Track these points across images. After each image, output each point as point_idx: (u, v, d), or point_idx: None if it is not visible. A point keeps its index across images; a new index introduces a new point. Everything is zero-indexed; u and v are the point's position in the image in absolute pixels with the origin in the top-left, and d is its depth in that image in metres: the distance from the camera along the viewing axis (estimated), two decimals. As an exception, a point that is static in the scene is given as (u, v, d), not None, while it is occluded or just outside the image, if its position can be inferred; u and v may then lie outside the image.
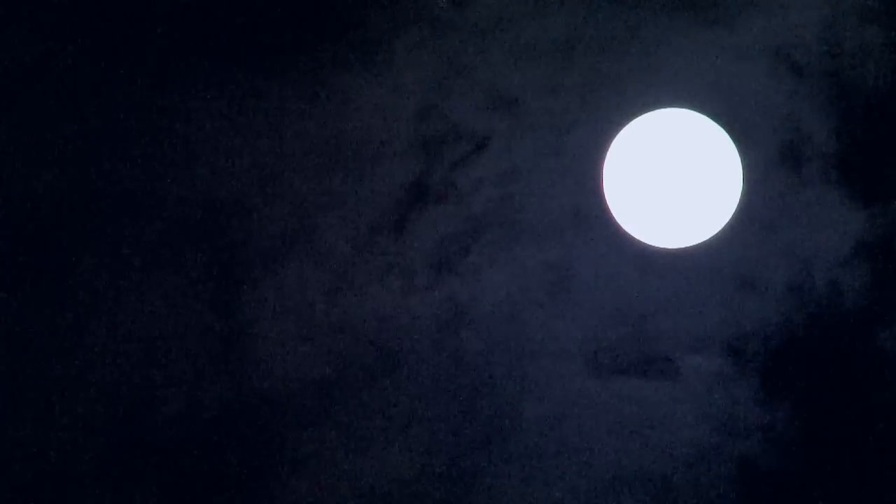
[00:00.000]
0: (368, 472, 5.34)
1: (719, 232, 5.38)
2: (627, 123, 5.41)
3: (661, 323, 5.38)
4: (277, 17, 5.50)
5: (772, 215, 5.40)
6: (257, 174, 5.45)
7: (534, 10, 5.51)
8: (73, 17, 5.48)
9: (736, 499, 5.29)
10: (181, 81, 5.46)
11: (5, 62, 5.43)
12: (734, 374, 5.35)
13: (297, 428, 5.35)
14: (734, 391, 5.34)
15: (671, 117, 5.39)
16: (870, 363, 5.31)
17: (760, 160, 5.41)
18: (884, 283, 5.35)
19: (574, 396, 5.37)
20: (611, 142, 5.41)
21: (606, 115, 5.45)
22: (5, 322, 5.32)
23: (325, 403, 5.36)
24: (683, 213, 5.32)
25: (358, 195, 5.46)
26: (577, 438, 5.35)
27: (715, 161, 5.36)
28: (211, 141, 5.45)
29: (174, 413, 5.34)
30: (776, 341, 5.36)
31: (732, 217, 5.38)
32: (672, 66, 5.46)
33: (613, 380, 5.37)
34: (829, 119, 5.43)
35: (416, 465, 5.34)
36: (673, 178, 5.31)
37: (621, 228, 5.38)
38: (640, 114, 5.41)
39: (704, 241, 5.38)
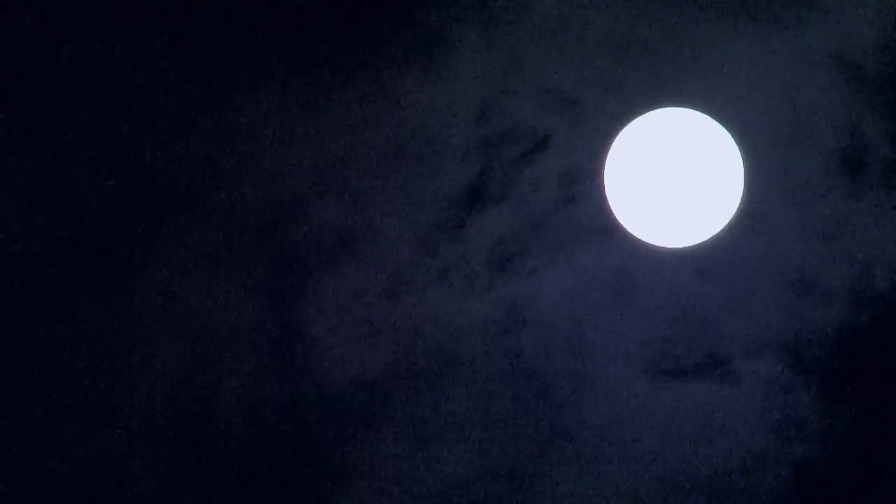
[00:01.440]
0: (425, 475, 5.32)
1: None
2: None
3: (721, 327, 5.36)
4: (339, 18, 5.43)
5: (829, 220, 5.37)
6: (317, 174, 5.40)
7: (593, 8, 5.45)
8: (136, 16, 5.42)
9: (794, 504, 5.30)
10: (244, 81, 5.40)
11: (67, 62, 5.37)
12: (793, 379, 5.33)
13: (354, 430, 5.33)
14: (793, 395, 5.33)
15: (677, 117, 5.34)
16: (930, 370, 5.31)
17: (818, 167, 5.38)
18: (946, 289, 5.34)
19: (633, 400, 5.35)
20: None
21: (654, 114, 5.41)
22: (66, 321, 5.28)
23: (383, 406, 5.34)
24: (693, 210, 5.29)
25: (416, 195, 5.42)
26: (635, 442, 5.33)
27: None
28: (272, 141, 5.40)
29: (232, 414, 5.31)
30: (836, 345, 5.34)
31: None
32: (721, 68, 5.41)
33: (672, 384, 5.35)
34: (887, 123, 5.39)
35: (474, 468, 5.32)
36: (685, 177, 5.26)
37: (627, 232, 5.34)
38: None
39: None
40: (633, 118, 5.40)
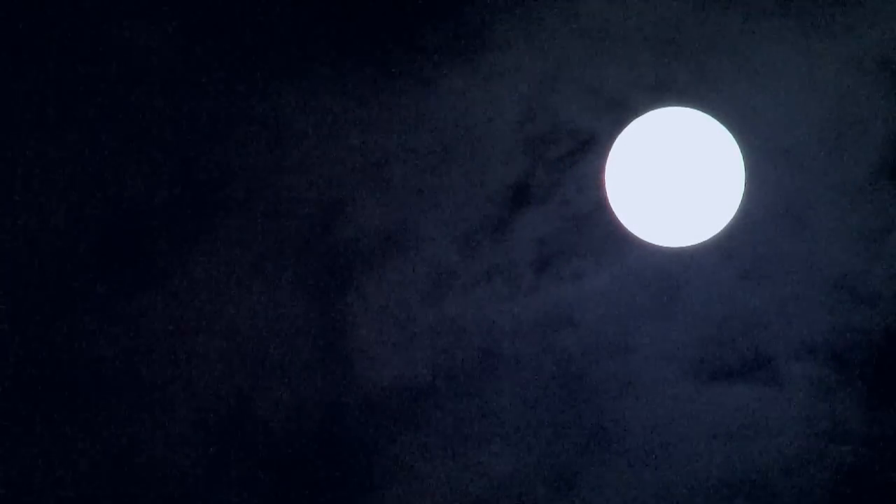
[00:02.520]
0: (469, 474, 5.31)
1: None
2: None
3: (765, 329, 5.35)
4: (386, 18, 5.39)
5: (874, 224, 5.35)
6: (362, 173, 5.37)
7: (638, 10, 5.42)
8: (186, 15, 5.38)
9: (837, 506, 5.30)
10: (291, 81, 5.37)
11: (114, 62, 5.33)
12: (837, 382, 5.32)
13: (397, 430, 5.31)
14: (837, 399, 5.32)
15: (679, 117, 5.32)
16: (975, 373, 5.30)
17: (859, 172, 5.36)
18: None
19: (677, 402, 5.34)
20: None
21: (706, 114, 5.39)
22: (112, 319, 5.25)
23: (426, 406, 5.32)
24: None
25: (461, 195, 5.39)
26: (679, 443, 5.32)
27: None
28: (318, 140, 5.37)
29: (274, 414, 5.29)
30: (880, 349, 5.33)
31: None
32: (763, 72, 5.39)
33: (716, 386, 5.34)
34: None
35: (518, 468, 5.31)
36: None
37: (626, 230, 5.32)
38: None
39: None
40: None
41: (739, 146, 5.32)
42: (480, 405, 5.33)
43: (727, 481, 5.31)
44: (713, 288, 5.36)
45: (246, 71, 5.37)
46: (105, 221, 5.31)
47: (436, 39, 5.39)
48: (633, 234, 5.32)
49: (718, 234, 5.35)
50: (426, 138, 5.39)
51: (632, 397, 5.34)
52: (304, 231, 5.35)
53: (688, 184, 5.21)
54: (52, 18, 5.36)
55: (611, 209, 5.32)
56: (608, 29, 5.41)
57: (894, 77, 5.38)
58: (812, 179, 5.36)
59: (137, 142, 5.33)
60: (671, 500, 5.31)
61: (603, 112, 5.39)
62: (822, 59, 5.38)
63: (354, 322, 5.34)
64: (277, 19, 5.39)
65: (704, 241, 5.35)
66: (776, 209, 5.37)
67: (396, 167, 5.38)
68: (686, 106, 5.38)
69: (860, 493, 5.30)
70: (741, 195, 5.32)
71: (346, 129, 5.38)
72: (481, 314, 5.36)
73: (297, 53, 5.39)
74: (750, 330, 5.35)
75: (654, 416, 5.33)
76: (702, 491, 5.31)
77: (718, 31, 5.40)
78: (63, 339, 5.25)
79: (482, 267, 5.38)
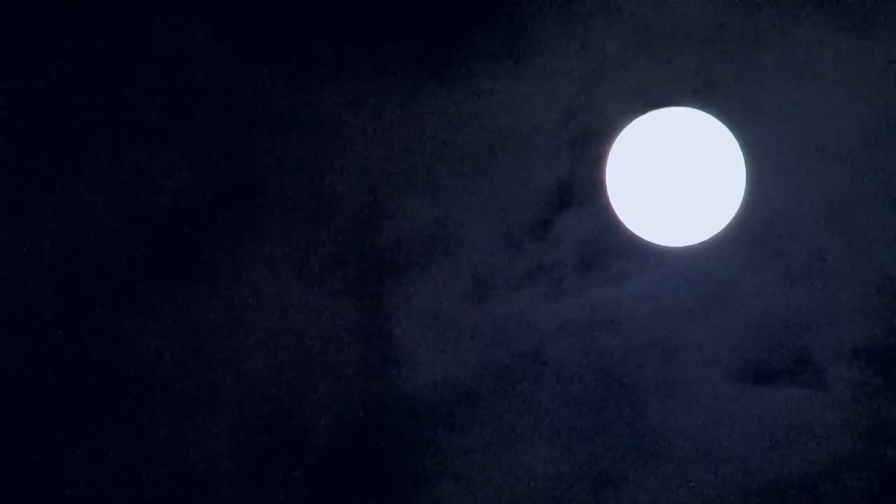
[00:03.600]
0: (510, 477, 5.29)
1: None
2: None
3: (810, 331, 5.32)
4: (434, 18, 5.36)
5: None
6: (406, 174, 5.35)
7: (684, 9, 5.38)
8: (230, 13, 5.35)
9: (882, 510, 5.28)
10: (335, 78, 5.34)
11: (152, 58, 5.30)
12: (882, 385, 5.29)
13: (439, 432, 5.29)
14: (882, 401, 5.29)
15: (679, 116, 5.29)
16: None
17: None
18: None
19: (720, 404, 5.31)
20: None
21: (740, 114, 5.36)
22: (155, 320, 5.24)
23: (468, 408, 5.30)
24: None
25: (504, 195, 5.36)
26: (721, 445, 5.30)
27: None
28: (362, 138, 5.34)
29: (317, 415, 5.27)
30: (926, 352, 5.31)
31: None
32: (814, 70, 5.36)
33: (760, 388, 5.31)
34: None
35: (560, 470, 5.29)
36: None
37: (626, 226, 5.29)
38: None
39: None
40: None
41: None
42: (523, 406, 5.31)
43: (771, 484, 5.29)
44: (759, 290, 5.33)
45: (287, 68, 5.34)
46: (151, 222, 5.29)
47: (481, 39, 5.36)
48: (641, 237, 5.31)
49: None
50: (470, 138, 5.36)
51: (675, 399, 5.31)
52: (348, 231, 5.33)
53: (690, 183, 5.19)
54: (101, 16, 5.33)
55: (614, 212, 5.30)
56: (652, 28, 5.37)
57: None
58: (854, 179, 5.33)
59: (182, 141, 5.31)
60: (713, 503, 5.29)
61: (646, 111, 5.35)
62: (862, 58, 5.34)
63: (397, 323, 5.32)
64: (322, 18, 5.36)
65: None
66: (815, 209, 5.34)
67: (440, 167, 5.36)
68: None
69: (905, 497, 5.28)
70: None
71: (390, 128, 5.35)
72: (524, 315, 5.33)
73: (343, 52, 5.36)
74: (794, 332, 5.32)
75: (698, 418, 5.31)
76: (745, 494, 5.29)
77: (761, 29, 5.37)
78: (107, 340, 5.23)
79: (525, 267, 5.35)
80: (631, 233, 5.29)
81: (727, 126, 5.32)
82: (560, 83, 5.37)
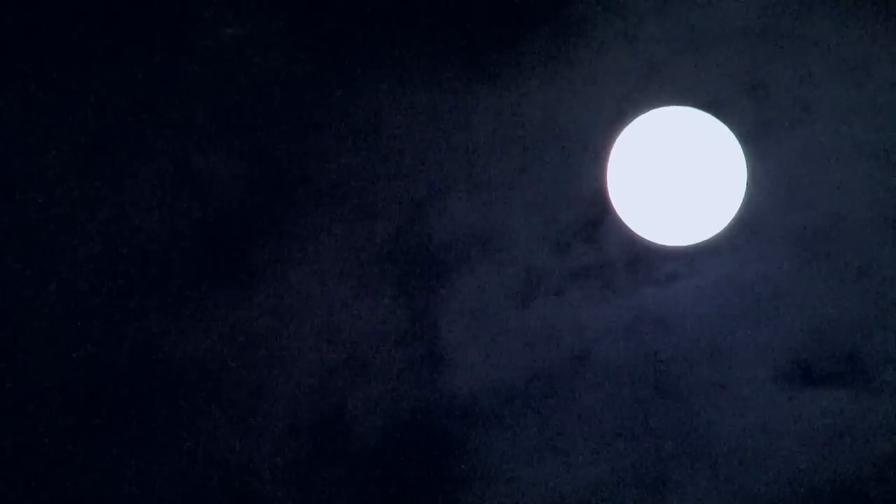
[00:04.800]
0: (559, 477, 5.27)
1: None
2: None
3: (858, 334, 5.28)
4: (484, 17, 5.29)
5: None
6: (455, 173, 5.29)
7: (733, 10, 5.32)
8: (280, 11, 5.29)
9: (930, 514, 5.26)
10: (385, 75, 5.28)
11: (194, 59, 5.25)
12: (932, 389, 5.28)
13: (488, 432, 5.26)
14: (931, 406, 5.28)
15: (678, 116, 5.24)
16: None
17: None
18: None
19: (768, 406, 5.28)
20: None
21: (790, 115, 5.30)
22: (203, 322, 5.20)
23: (515, 409, 5.27)
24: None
25: (553, 195, 5.31)
26: (770, 449, 5.28)
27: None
28: (414, 139, 5.29)
29: (365, 415, 5.25)
30: (976, 356, 5.28)
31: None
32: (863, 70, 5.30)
33: (809, 391, 5.28)
34: None
35: (606, 472, 5.27)
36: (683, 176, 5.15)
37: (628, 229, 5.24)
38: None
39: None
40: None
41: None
42: (571, 408, 5.28)
43: (819, 488, 5.27)
44: (809, 293, 5.29)
45: (342, 70, 5.28)
46: (198, 223, 5.24)
47: (532, 39, 5.30)
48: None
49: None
50: (518, 138, 5.31)
51: (723, 402, 5.28)
52: (396, 231, 5.28)
53: (690, 182, 5.15)
54: (151, 16, 5.27)
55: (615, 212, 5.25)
56: (701, 30, 5.30)
57: None
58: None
59: (230, 141, 5.26)
60: (761, 506, 5.28)
61: (699, 110, 5.30)
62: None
63: (444, 324, 5.28)
64: (374, 16, 5.29)
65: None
66: (867, 212, 5.29)
67: (489, 166, 5.30)
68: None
69: (954, 502, 5.26)
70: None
71: (440, 127, 5.29)
72: (573, 316, 5.30)
73: (393, 50, 5.29)
74: (843, 335, 5.28)
75: (745, 420, 5.28)
76: (793, 497, 5.27)
77: (817, 29, 5.31)
78: (155, 341, 5.20)
79: (574, 268, 5.31)
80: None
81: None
82: (609, 83, 5.31)
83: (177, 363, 5.21)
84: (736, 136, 5.25)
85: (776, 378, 5.29)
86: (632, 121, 5.25)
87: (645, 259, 5.29)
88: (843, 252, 5.30)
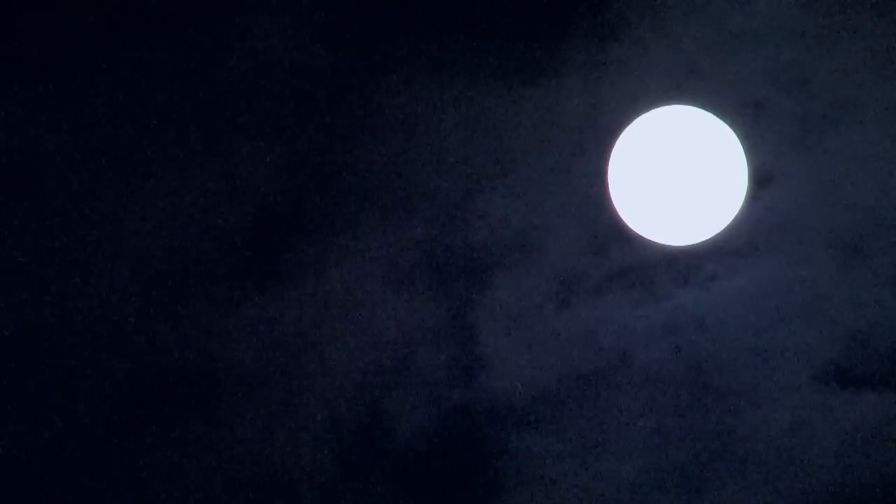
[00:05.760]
0: (597, 479, 5.26)
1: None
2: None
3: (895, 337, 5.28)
4: (524, 16, 5.21)
5: None
6: (494, 173, 5.24)
7: (775, 5, 5.25)
8: (320, 10, 5.20)
9: (968, 516, 5.27)
10: (428, 79, 5.21)
11: (237, 60, 5.16)
12: (971, 391, 5.27)
13: (526, 434, 5.24)
14: (970, 408, 5.27)
15: (679, 115, 5.20)
16: None
17: None
18: None
19: (807, 408, 5.27)
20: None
21: (832, 116, 5.25)
22: (246, 322, 5.16)
23: (554, 411, 5.25)
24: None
25: (592, 195, 5.26)
26: (810, 451, 5.27)
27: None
28: (453, 139, 5.22)
29: (404, 417, 5.22)
30: None
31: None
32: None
33: (847, 392, 5.27)
34: None
35: (647, 474, 5.26)
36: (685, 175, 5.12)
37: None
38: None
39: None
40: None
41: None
42: (609, 410, 5.26)
43: (857, 490, 5.27)
44: (846, 295, 5.26)
45: (386, 69, 5.20)
46: (238, 224, 5.19)
47: (572, 38, 5.22)
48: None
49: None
50: (558, 137, 5.25)
51: (762, 404, 5.27)
52: (436, 231, 5.23)
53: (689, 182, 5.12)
54: (195, 16, 5.18)
55: (615, 210, 5.21)
56: (741, 27, 5.24)
57: None
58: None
59: (274, 140, 5.19)
60: (799, 507, 5.29)
61: (737, 110, 5.24)
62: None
63: (483, 324, 5.24)
64: (413, 13, 5.21)
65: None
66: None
67: (527, 166, 5.24)
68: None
69: None
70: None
71: (479, 126, 5.23)
72: (612, 318, 5.26)
73: (432, 47, 5.22)
74: (882, 337, 5.27)
75: (784, 422, 5.27)
76: (831, 500, 5.27)
77: (859, 24, 5.25)
78: (194, 340, 5.16)
79: (612, 269, 5.27)
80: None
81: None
82: (648, 82, 5.25)
83: (215, 364, 5.17)
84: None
85: (815, 380, 5.27)
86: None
87: (684, 261, 5.26)
88: (884, 254, 5.27)
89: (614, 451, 5.26)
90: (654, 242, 5.20)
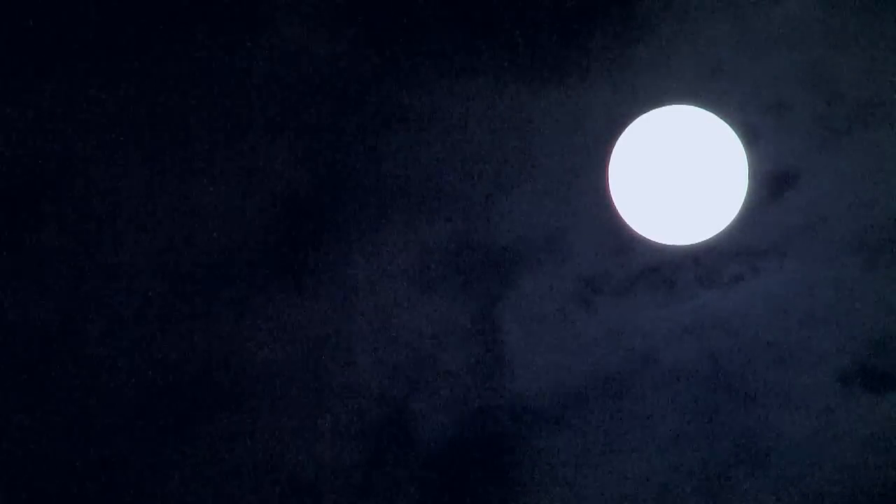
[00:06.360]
0: (621, 480, 5.27)
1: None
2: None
3: (924, 338, 5.27)
4: (550, 16, 5.21)
5: None
6: (517, 173, 5.24)
7: (800, 6, 5.23)
8: (343, 11, 5.20)
9: None
10: (455, 79, 5.21)
11: (266, 59, 5.17)
12: None
13: (551, 434, 5.26)
14: None
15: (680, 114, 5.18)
16: None
17: None
18: None
19: (831, 409, 5.27)
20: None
21: (863, 119, 5.24)
22: (269, 319, 5.18)
23: (580, 410, 5.26)
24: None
25: (616, 195, 5.26)
26: (834, 451, 5.28)
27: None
28: (480, 140, 5.22)
29: (429, 417, 5.24)
30: None
31: None
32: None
33: (870, 394, 5.27)
34: None
35: (671, 474, 5.27)
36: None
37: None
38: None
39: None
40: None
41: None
42: (634, 410, 5.27)
43: (880, 492, 5.27)
44: (870, 296, 5.26)
45: (413, 69, 5.20)
46: (263, 223, 5.21)
47: (596, 38, 5.21)
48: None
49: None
50: (584, 138, 5.24)
51: (787, 404, 5.27)
52: (460, 229, 5.24)
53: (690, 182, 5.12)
54: (218, 15, 5.19)
55: (617, 211, 5.21)
56: (766, 28, 5.22)
57: None
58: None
59: (297, 140, 5.20)
60: (822, 507, 5.29)
61: (763, 111, 5.23)
62: None
63: (508, 324, 5.26)
64: (438, 13, 5.21)
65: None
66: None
67: (552, 165, 5.25)
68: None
69: None
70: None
71: (504, 126, 5.23)
72: (636, 318, 5.27)
73: (457, 47, 5.22)
74: (908, 338, 5.27)
75: (808, 422, 5.28)
76: (855, 500, 5.27)
77: (883, 24, 5.23)
78: (219, 340, 5.18)
79: (637, 270, 5.27)
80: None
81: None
82: (672, 84, 5.24)
83: (241, 362, 5.19)
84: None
85: (839, 381, 5.27)
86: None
87: (708, 261, 5.26)
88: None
89: (637, 451, 5.27)
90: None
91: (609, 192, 5.22)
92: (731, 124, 5.22)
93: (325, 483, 5.21)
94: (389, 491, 5.23)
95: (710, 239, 5.20)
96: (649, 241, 5.20)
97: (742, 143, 5.20)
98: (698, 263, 5.24)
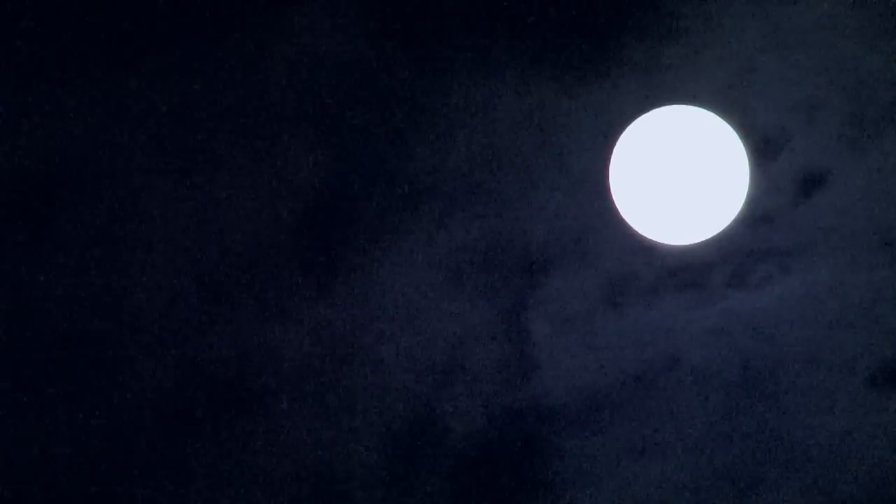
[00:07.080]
0: (649, 482, 5.26)
1: None
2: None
3: (954, 339, 5.26)
4: (572, 16, 5.20)
5: None
6: (546, 173, 5.23)
7: (822, 4, 5.22)
8: (368, 10, 5.20)
9: None
10: (484, 77, 5.20)
11: (293, 58, 5.17)
12: None
13: (579, 436, 5.25)
14: None
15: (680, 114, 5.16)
16: None
17: None
18: None
19: (860, 410, 5.26)
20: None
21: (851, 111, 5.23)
22: (296, 320, 5.17)
23: (608, 412, 5.25)
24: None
25: (646, 198, 5.25)
26: (862, 452, 5.26)
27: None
28: (503, 137, 5.22)
29: (455, 419, 5.23)
30: None
31: None
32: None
33: (901, 395, 5.26)
34: None
35: (700, 475, 5.26)
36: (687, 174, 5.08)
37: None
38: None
39: None
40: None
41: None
42: (663, 411, 5.26)
43: (910, 492, 5.26)
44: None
45: (443, 68, 5.20)
46: (290, 221, 5.20)
47: (628, 36, 5.20)
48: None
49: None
50: (613, 136, 5.23)
51: (815, 405, 5.26)
52: (487, 229, 5.23)
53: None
54: (243, 15, 5.19)
55: (619, 214, 5.19)
56: (798, 29, 5.21)
57: None
58: None
59: (323, 138, 5.20)
60: (851, 509, 5.28)
61: (795, 112, 5.22)
62: None
63: (536, 325, 5.24)
64: (466, 12, 5.20)
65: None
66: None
67: (580, 165, 5.23)
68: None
69: None
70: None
71: (532, 125, 5.22)
72: (665, 320, 5.25)
73: (486, 46, 5.21)
74: (938, 339, 5.26)
75: (837, 424, 5.26)
76: (884, 501, 5.26)
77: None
78: (245, 341, 5.17)
79: (666, 272, 5.26)
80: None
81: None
82: (701, 84, 5.23)
83: (267, 364, 5.18)
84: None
85: (868, 382, 5.25)
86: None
87: (736, 262, 5.24)
88: (939, 256, 5.25)
89: (665, 453, 5.26)
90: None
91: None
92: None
93: (352, 484, 5.20)
94: (416, 491, 5.22)
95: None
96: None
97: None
98: (727, 264, 5.23)
